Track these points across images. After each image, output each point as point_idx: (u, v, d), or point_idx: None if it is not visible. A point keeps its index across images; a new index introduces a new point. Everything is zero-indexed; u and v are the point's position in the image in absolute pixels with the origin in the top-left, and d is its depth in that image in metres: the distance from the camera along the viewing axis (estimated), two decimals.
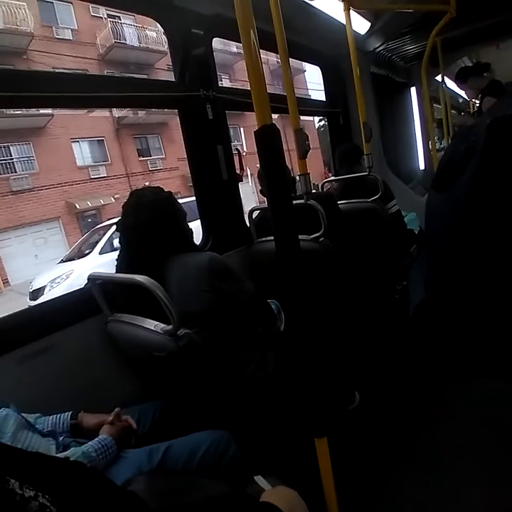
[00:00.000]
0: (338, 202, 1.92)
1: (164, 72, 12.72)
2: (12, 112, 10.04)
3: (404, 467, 1.28)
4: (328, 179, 2.86)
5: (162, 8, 1.55)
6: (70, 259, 7.14)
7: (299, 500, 0.63)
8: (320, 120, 14.13)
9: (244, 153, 2.10)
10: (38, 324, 1.16)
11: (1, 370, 1.06)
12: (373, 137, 2.01)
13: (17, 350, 1.09)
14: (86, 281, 1.20)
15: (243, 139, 13.28)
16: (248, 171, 2.82)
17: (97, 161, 13.05)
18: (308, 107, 2.89)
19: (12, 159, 11.31)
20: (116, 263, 1.21)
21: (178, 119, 1.72)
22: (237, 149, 1.84)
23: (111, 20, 12.60)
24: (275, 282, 0.91)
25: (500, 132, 0.82)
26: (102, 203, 12.51)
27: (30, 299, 6.24)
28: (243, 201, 1.92)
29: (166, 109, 8.22)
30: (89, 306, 1.21)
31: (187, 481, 0.70)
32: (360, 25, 2.41)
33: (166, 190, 1.21)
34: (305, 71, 17.69)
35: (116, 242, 3.04)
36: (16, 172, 11.30)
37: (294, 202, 0.84)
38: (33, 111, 10.26)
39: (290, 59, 1.24)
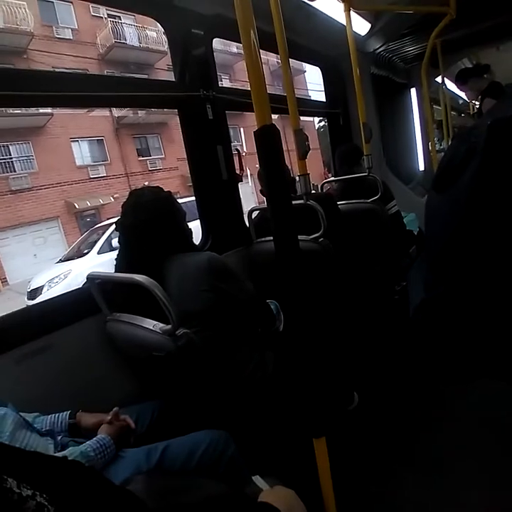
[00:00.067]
0: (338, 202, 1.92)
1: (164, 72, 12.74)
2: (11, 111, 10.04)
3: (404, 468, 1.28)
4: (328, 180, 2.86)
5: (162, 8, 1.55)
6: (68, 258, 7.14)
7: (297, 501, 0.63)
8: (320, 121, 14.16)
9: (244, 154, 2.10)
10: (36, 323, 1.16)
11: (0, 369, 1.06)
12: (373, 138, 2.01)
13: (15, 350, 1.09)
14: (84, 281, 1.20)
15: (243, 139, 13.28)
16: (248, 171, 2.82)
17: (96, 160, 13.05)
18: (308, 107, 2.88)
19: (11, 158, 11.31)
20: (115, 262, 1.20)
21: (178, 119, 1.72)
22: (236, 149, 1.84)
23: (111, 20, 12.61)
24: (274, 282, 0.91)
25: (501, 134, 0.82)
26: (101, 202, 12.51)
27: (28, 299, 6.23)
28: (243, 201, 1.92)
29: (165, 109, 8.24)
30: (88, 305, 1.21)
31: (185, 481, 0.70)
32: (361, 26, 2.41)
33: (165, 189, 1.21)
34: (305, 72, 17.71)
35: (114, 242, 3.04)
36: (15, 171, 11.31)
37: (294, 202, 0.84)
38: (32, 110, 10.27)
39: (290, 59, 1.24)
